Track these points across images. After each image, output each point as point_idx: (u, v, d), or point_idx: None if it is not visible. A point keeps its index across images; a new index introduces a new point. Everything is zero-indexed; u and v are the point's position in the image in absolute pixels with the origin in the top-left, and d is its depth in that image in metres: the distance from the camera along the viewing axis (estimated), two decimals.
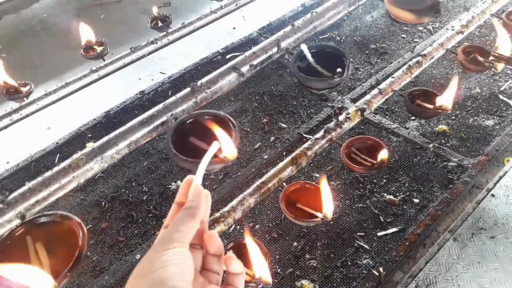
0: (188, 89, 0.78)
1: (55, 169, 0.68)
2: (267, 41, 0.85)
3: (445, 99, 1.03)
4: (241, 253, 0.89)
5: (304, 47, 0.82)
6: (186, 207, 0.49)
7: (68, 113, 1.92)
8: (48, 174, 0.67)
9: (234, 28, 2.56)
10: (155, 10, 1.43)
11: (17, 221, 0.64)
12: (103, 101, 1.89)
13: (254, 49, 0.83)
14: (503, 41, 1.05)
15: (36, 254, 0.61)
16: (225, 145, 0.57)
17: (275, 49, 0.85)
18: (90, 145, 0.70)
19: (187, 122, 0.73)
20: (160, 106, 0.76)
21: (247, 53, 0.83)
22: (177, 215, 0.48)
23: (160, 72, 2.26)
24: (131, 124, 0.73)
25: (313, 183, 1.02)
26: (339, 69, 0.78)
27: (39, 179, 0.67)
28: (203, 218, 0.49)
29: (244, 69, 0.81)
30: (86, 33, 1.29)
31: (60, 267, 0.59)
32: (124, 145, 0.71)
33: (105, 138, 0.71)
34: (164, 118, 0.75)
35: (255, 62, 0.82)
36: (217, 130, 0.63)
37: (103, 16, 2.82)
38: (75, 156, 0.69)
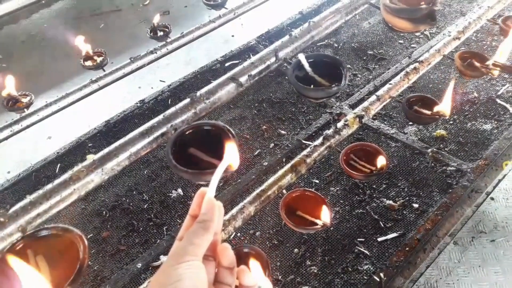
0: (187, 100, 0.79)
1: (56, 181, 0.68)
2: (265, 51, 0.86)
3: (443, 106, 1.04)
4: (241, 262, 0.90)
5: (301, 57, 0.83)
6: (200, 220, 0.50)
7: (69, 123, 1.93)
8: (48, 186, 0.68)
9: (232, 36, 2.58)
10: (156, 20, 1.44)
11: (18, 235, 0.65)
12: (103, 110, 1.90)
13: (252, 59, 0.84)
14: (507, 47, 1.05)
15: (37, 268, 0.62)
16: (230, 156, 0.57)
17: (273, 59, 0.86)
18: (91, 157, 0.71)
19: (187, 133, 0.74)
20: (160, 117, 0.77)
21: (246, 64, 0.84)
22: (191, 228, 0.50)
23: (160, 81, 2.27)
24: (131, 135, 0.74)
25: (313, 190, 1.02)
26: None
27: (40, 192, 0.67)
28: (216, 230, 0.51)
29: (243, 79, 0.82)
30: (84, 46, 1.31)
31: (61, 280, 0.59)
32: (124, 156, 0.72)
33: (106, 150, 0.72)
34: (164, 129, 0.76)
35: (253, 72, 0.83)
36: (224, 141, 0.63)
37: (102, 25, 2.83)
38: (75, 168, 0.70)
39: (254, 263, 0.72)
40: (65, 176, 0.69)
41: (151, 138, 0.74)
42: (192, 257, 0.46)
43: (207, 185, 0.52)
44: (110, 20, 2.90)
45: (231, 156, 0.55)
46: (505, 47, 1.10)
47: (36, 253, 0.64)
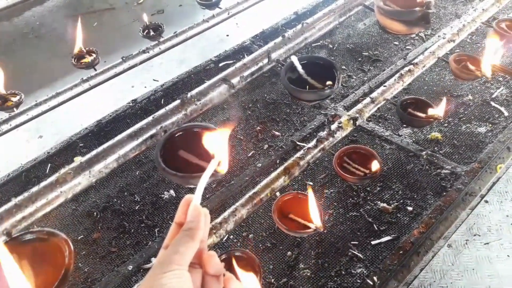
0: (177, 101, 0.77)
1: (42, 184, 0.67)
2: (258, 52, 0.85)
3: (437, 109, 1.03)
4: (232, 266, 0.88)
5: (294, 59, 0.82)
6: (185, 228, 0.49)
7: (61, 122, 1.90)
8: (34, 189, 0.66)
9: (227, 35, 2.56)
10: (146, 19, 1.42)
11: (3, 238, 0.63)
12: (95, 109, 1.88)
13: (245, 60, 0.83)
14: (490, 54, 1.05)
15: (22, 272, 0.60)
16: (216, 161, 0.56)
17: (265, 61, 0.84)
18: (78, 159, 0.69)
19: (177, 135, 0.72)
20: (149, 118, 0.75)
21: (238, 65, 0.83)
22: (177, 236, 0.49)
23: (153, 80, 2.25)
24: (119, 137, 0.72)
25: (305, 193, 1.01)
26: (329, 82, 0.78)
27: (26, 194, 0.66)
28: (202, 238, 0.50)
29: (235, 80, 0.81)
30: (78, 40, 1.29)
31: (46, 286, 0.57)
32: (112, 159, 0.70)
33: (93, 152, 0.70)
34: (153, 131, 0.74)
35: (245, 74, 0.82)
36: (212, 144, 0.62)
37: (96, 23, 2.81)
38: (62, 171, 0.68)
39: (245, 270, 0.71)
40: (51, 178, 0.67)
41: (140, 140, 0.73)
42: (178, 266, 0.46)
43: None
44: (104, 18, 2.87)
45: (219, 161, 0.53)
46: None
47: (21, 258, 0.62)
